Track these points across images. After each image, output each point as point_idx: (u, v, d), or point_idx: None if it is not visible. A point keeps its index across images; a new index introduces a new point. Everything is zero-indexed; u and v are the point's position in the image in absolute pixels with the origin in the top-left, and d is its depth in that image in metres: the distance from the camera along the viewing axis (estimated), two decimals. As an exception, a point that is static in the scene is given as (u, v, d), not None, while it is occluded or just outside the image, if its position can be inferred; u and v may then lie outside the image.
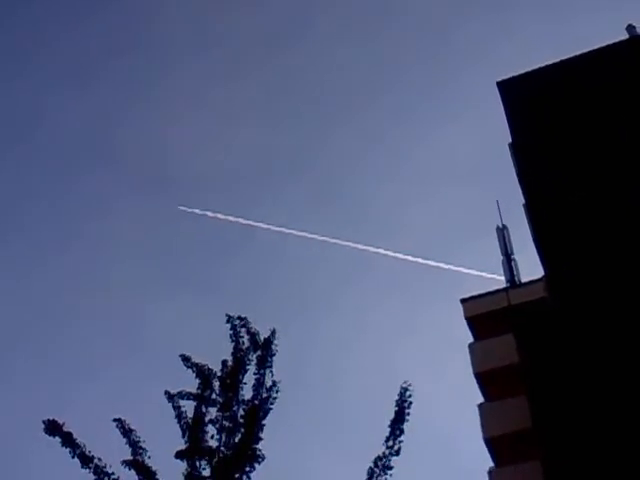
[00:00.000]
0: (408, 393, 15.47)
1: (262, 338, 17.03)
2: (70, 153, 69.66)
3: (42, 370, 59.05)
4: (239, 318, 17.11)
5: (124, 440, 16.16)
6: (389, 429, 15.21)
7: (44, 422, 16.06)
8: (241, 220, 55.66)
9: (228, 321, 17.03)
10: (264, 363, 16.78)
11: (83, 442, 15.95)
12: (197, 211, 55.31)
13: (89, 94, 68.65)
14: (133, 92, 72.93)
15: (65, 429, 15.98)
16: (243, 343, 16.87)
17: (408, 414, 15.32)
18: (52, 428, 15.96)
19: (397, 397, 15.45)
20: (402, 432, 15.24)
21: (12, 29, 68.40)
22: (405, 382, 15.65)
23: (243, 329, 17.02)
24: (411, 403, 15.40)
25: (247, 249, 66.14)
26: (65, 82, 70.38)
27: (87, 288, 63.75)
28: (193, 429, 16.20)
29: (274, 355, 16.91)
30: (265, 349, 16.89)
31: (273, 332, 17.06)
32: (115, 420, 16.34)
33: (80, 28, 70.77)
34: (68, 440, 15.87)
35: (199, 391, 16.57)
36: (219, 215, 54.94)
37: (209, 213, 55.81)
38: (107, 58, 71.74)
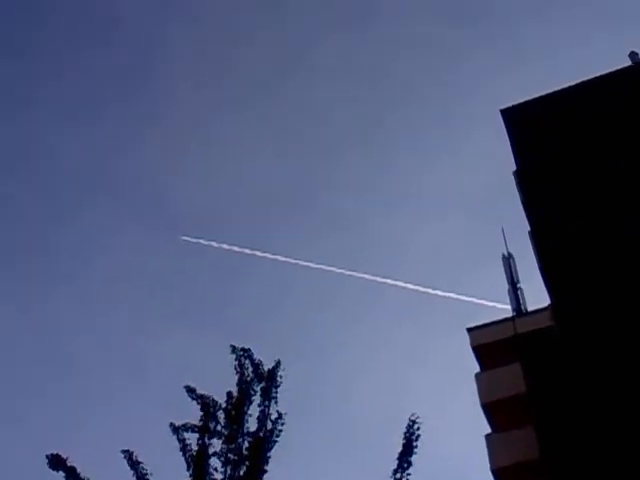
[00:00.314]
0: (416, 426, 15.36)
1: (266, 369, 16.90)
2: (71, 187, 69.79)
3: (44, 404, 58.79)
4: (243, 349, 17.03)
5: (127, 474, 16.05)
6: (397, 461, 15.08)
7: (48, 457, 15.97)
8: (246, 250, 55.48)
9: (233, 352, 16.95)
10: (269, 394, 16.68)
11: (87, 477, 15.84)
12: (202, 242, 55.11)
13: (92, 128, 68.86)
14: (135, 126, 73.11)
15: (69, 463, 15.86)
16: (248, 374, 16.75)
17: (416, 447, 15.22)
18: (56, 463, 15.89)
19: (405, 430, 15.33)
20: (410, 464, 15.12)
21: (20, 70, 68.65)
22: (413, 414, 15.56)
23: (246, 360, 16.91)
24: (419, 436, 15.29)
25: (252, 280, 66.03)
26: (69, 117, 70.63)
27: (88, 321, 63.58)
28: (198, 462, 16.04)
29: (279, 386, 16.82)
30: (269, 380, 16.79)
31: (277, 363, 16.97)
32: (123, 452, 16.25)
33: (81, 62, 71.05)
34: (72, 474, 15.79)
35: (202, 423, 16.43)
36: (224, 245, 54.79)
37: (214, 243, 55.72)
38: (109, 92, 72.02)
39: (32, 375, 60.66)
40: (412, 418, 15.43)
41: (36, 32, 70.78)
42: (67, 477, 15.81)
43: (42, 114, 68.00)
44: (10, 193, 65.52)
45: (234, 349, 16.99)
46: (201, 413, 16.68)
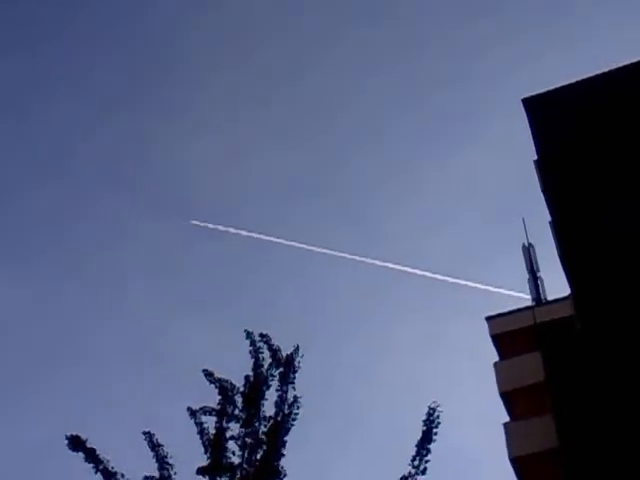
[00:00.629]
0: (436, 413, 15.31)
1: (284, 355, 16.92)
2: (85, 177, 70.13)
3: (63, 388, 59.17)
4: (261, 335, 17.06)
5: (146, 456, 16.09)
6: (416, 448, 15.05)
7: (67, 437, 16.03)
8: (262, 236, 55.46)
9: (247, 337, 16.96)
10: (286, 380, 16.69)
11: (106, 457, 15.90)
12: (220, 228, 55.12)
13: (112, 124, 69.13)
14: (155, 114, 73.16)
15: (88, 445, 15.93)
16: (263, 359, 16.79)
17: (436, 434, 15.18)
18: (76, 443, 15.95)
19: (425, 417, 15.29)
20: (429, 452, 15.08)
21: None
22: (433, 402, 15.53)
23: (265, 345, 16.93)
24: (439, 423, 15.26)
25: (268, 266, 66.04)
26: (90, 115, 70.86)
27: (105, 306, 63.78)
28: (215, 445, 16.07)
29: (297, 372, 16.80)
30: (287, 366, 16.81)
31: (296, 349, 16.99)
32: (144, 433, 16.28)
33: (99, 62, 71.29)
34: (91, 455, 15.85)
35: (220, 406, 16.46)
36: (242, 232, 54.77)
37: (231, 229, 55.72)
38: (129, 86, 72.18)
39: (52, 355, 61.12)
40: (432, 405, 15.41)
41: (54, 28, 71.28)
42: (87, 458, 15.87)
43: (67, 114, 68.45)
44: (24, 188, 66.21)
45: (248, 334, 17.00)
46: (219, 397, 16.68)
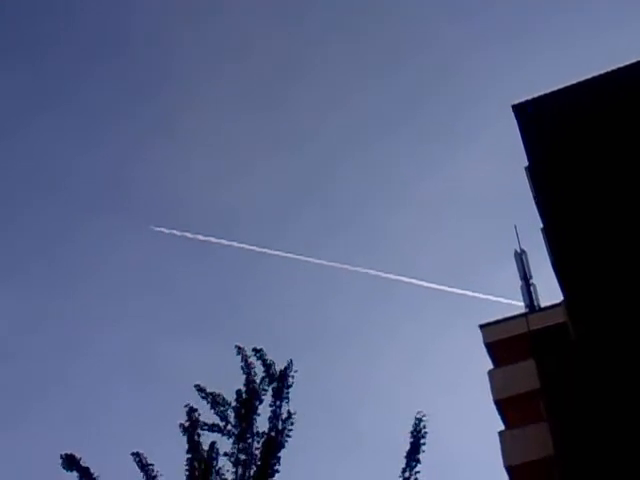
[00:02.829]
0: (423, 423, 15.30)
1: (278, 369, 16.89)
2: (85, 191, 70.27)
3: (56, 406, 58.99)
4: (255, 349, 17.03)
5: (139, 475, 16.04)
6: (405, 460, 15.01)
7: (62, 456, 15.98)
8: (255, 248, 55.46)
9: (238, 353, 16.95)
10: (280, 395, 16.64)
11: (99, 476, 15.88)
12: (212, 239, 55.15)
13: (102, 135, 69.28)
14: (151, 127, 73.25)
15: (82, 464, 15.90)
16: (255, 374, 16.75)
17: (424, 444, 15.15)
18: (70, 463, 15.89)
19: (412, 428, 15.26)
20: (418, 462, 15.05)
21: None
22: (419, 412, 15.50)
23: (258, 361, 16.92)
24: (426, 433, 15.23)
25: (263, 278, 66.02)
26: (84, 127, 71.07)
27: (99, 322, 63.76)
28: (207, 461, 16.03)
29: (290, 387, 16.76)
30: (281, 381, 16.76)
31: (290, 363, 16.93)
32: (133, 454, 16.23)
33: (94, 73, 71.38)
34: (86, 475, 15.81)
35: (212, 421, 16.43)
36: (234, 243, 54.81)
37: (224, 241, 55.73)
38: (120, 96, 72.25)
39: (45, 370, 61.07)
40: (418, 416, 15.38)
41: (49, 41, 71.35)
42: (80, 477, 15.84)
43: (58, 130, 68.52)
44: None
45: (239, 350, 17.00)
46: (211, 411, 16.66)
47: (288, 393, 16.75)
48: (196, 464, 16.03)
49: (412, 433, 15.20)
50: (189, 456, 15.95)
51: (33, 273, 67.35)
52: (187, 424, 16.54)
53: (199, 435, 16.41)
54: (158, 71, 72.87)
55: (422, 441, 15.11)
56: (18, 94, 68.09)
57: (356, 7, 73.29)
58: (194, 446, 16.29)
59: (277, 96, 73.95)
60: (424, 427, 15.24)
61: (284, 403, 16.62)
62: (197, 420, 16.52)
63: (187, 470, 15.74)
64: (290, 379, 16.84)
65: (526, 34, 72.09)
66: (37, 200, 68.46)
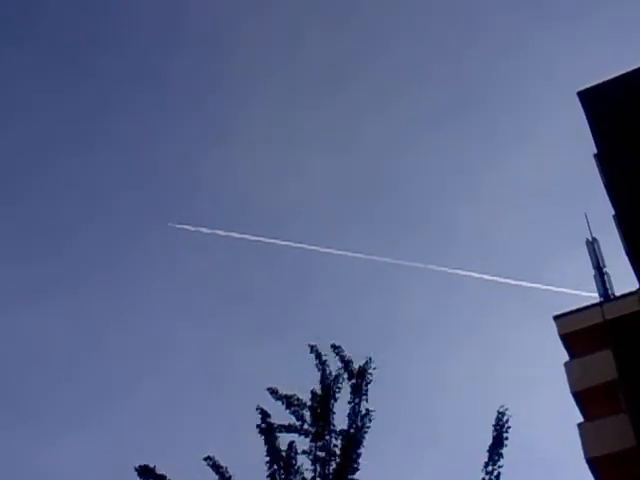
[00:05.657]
0: (505, 417, 15.14)
1: (356, 366, 16.82)
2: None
3: (131, 409, 59.62)
4: (332, 346, 16.97)
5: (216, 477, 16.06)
6: (488, 454, 14.86)
7: (136, 469, 16.06)
8: (321, 249, 55.32)
9: (312, 351, 16.92)
10: (359, 391, 16.55)
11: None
12: (278, 242, 55.03)
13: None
14: (207, 128, 73.67)
15: (157, 472, 15.97)
16: (330, 372, 16.69)
17: (506, 438, 14.99)
18: (145, 473, 15.97)
19: (494, 422, 15.11)
20: (501, 457, 14.89)
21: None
22: (501, 406, 15.34)
23: (336, 357, 16.87)
24: (509, 427, 15.06)
25: (332, 279, 65.97)
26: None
27: (172, 329, 64.29)
28: (286, 461, 16.02)
29: (369, 383, 16.67)
30: (360, 377, 16.67)
31: (369, 360, 16.84)
32: (206, 459, 16.27)
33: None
34: (163, 482, 15.87)
35: (289, 422, 16.41)
36: (303, 245, 54.77)
37: (291, 243, 55.68)
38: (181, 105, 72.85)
39: (117, 381, 61.81)
40: (500, 410, 15.24)
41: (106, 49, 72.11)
42: (158, 486, 15.91)
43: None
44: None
45: (312, 348, 16.96)
46: (287, 413, 16.64)
47: (367, 390, 16.65)
48: (275, 466, 15.99)
49: (495, 427, 15.05)
50: (268, 458, 15.89)
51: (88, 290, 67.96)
52: (263, 426, 16.51)
53: (277, 437, 16.37)
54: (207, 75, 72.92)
55: (505, 435, 14.96)
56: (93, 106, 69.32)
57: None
58: (272, 447, 16.26)
59: (339, 88, 73.64)
60: (507, 421, 15.09)
61: (363, 400, 16.53)
62: (271, 422, 16.49)
63: (268, 470, 15.73)
64: (369, 376, 16.74)
65: (589, 19, 70.99)
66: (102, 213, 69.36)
